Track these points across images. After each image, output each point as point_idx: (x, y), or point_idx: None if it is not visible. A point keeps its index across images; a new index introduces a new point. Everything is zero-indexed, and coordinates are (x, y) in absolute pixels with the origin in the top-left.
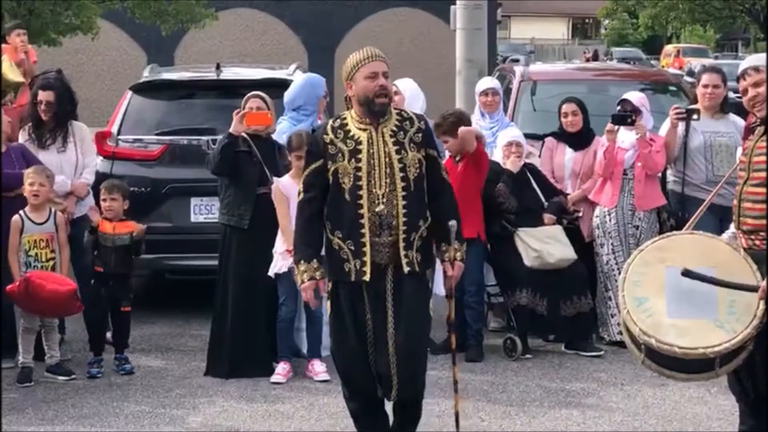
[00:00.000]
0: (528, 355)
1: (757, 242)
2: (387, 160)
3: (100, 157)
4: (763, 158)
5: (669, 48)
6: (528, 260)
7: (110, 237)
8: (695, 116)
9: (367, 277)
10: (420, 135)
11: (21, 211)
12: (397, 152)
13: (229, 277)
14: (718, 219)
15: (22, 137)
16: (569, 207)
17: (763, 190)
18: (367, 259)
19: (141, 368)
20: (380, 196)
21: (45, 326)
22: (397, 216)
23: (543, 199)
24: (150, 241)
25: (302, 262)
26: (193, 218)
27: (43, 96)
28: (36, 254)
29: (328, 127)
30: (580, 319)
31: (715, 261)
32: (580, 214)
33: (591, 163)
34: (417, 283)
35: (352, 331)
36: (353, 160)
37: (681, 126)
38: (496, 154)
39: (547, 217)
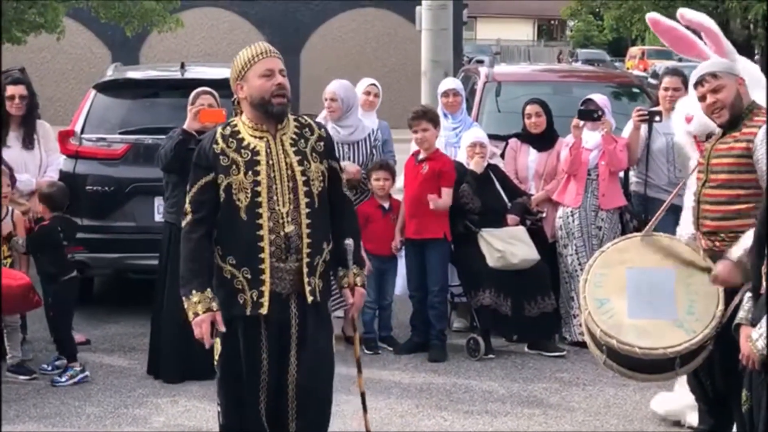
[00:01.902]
0: (491, 356)
1: (717, 243)
2: (289, 172)
3: (63, 156)
4: (722, 161)
5: (634, 50)
6: (491, 260)
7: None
8: (657, 118)
9: (264, 310)
10: (322, 144)
11: None
12: (300, 163)
13: (174, 278)
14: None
15: None
16: (533, 208)
17: (722, 191)
18: (266, 288)
19: (104, 367)
20: (285, 215)
21: (7, 326)
22: (302, 237)
23: (506, 200)
24: (113, 240)
25: (194, 292)
26: (156, 218)
27: (15, 90)
28: None
29: (218, 135)
30: (543, 319)
31: (675, 262)
32: (544, 215)
33: (554, 164)
34: (320, 317)
35: (246, 373)
36: (250, 172)
37: (644, 128)
38: (460, 155)
39: (511, 217)
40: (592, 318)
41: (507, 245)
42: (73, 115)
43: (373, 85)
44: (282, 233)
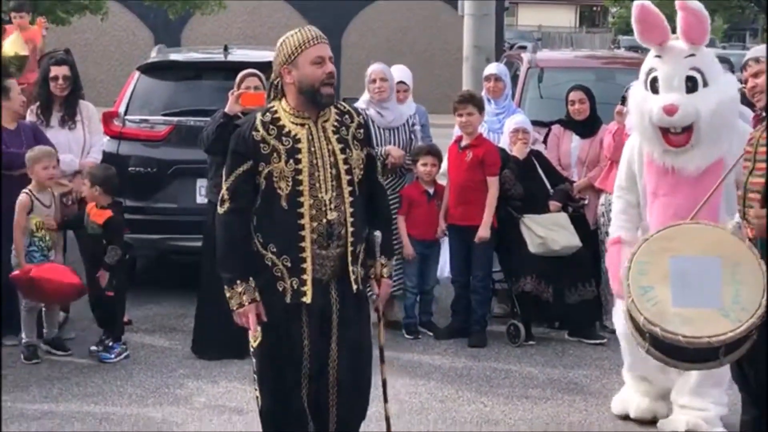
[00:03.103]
0: (531, 342)
1: None
2: (332, 159)
3: (107, 137)
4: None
5: (675, 37)
6: (533, 247)
7: (89, 222)
8: None
9: (308, 299)
10: (362, 131)
11: (28, 191)
12: (342, 151)
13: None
14: None
15: (29, 117)
16: (575, 194)
17: None
18: (308, 276)
19: (145, 348)
20: (328, 202)
21: (47, 305)
22: (345, 224)
23: (549, 186)
24: (155, 221)
25: (239, 282)
26: (198, 199)
27: (59, 71)
28: (42, 236)
29: (258, 121)
30: (584, 306)
31: (720, 251)
32: (586, 202)
33: (597, 150)
34: (361, 304)
35: (288, 361)
36: (291, 160)
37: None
38: (503, 141)
39: (553, 204)
40: (636, 305)
41: (549, 232)
42: (116, 97)
43: (402, 82)
44: (324, 220)
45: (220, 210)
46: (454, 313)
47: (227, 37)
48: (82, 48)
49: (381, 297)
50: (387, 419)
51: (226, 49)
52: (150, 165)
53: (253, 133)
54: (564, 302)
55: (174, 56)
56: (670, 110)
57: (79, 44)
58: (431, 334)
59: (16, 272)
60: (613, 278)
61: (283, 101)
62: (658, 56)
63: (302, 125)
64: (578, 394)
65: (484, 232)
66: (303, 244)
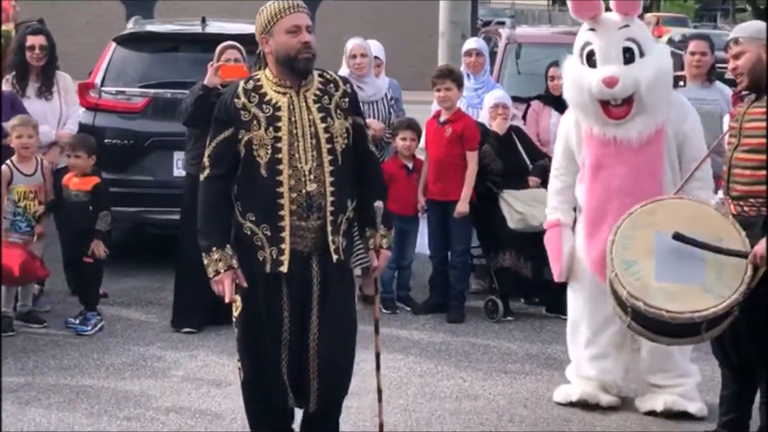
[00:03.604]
0: (509, 318)
1: (746, 208)
2: (312, 129)
3: (83, 109)
4: (756, 124)
5: (649, 16)
6: (512, 222)
7: (71, 192)
8: (681, 83)
9: (284, 268)
10: (347, 100)
11: (8, 162)
12: (323, 120)
13: (195, 229)
14: None
15: (4, 86)
16: None
17: (754, 156)
18: (286, 246)
19: (122, 321)
20: (307, 172)
21: None
22: (325, 195)
23: (528, 162)
24: (132, 194)
25: (215, 249)
26: (175, 172)
27: (35, 40)
28: (25, 206)
29: (240, 89)
30: (563, 282)
31: (704, 226)
32: None
33: None
34: (343, 275)
35: (267, 331)
36: (271, 128)
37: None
38: (482, 116)
39: (532, 179)
40: (619, 279)
41: (528, 207)
42: (87, 71)
43: (376, 57)
44: (304, 191)
45: (201, 176)
46: (432, 288)
47: (200, 11)
48: (54, 20)
49: (379, 268)
50: (379, 391)
51: (203, 21)
52: (126, 137)
53: (235, 100)
54: (542, 278)
55: (151, 27)
56: (610, 82)
57: (51, 17)
58: (409, 309)
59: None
60: (555, 262)
61: (267, 70)
62: (592, 29)
63: (284, 94)
64: (557, 369)
65: (462, 207)
66: (282, 213)
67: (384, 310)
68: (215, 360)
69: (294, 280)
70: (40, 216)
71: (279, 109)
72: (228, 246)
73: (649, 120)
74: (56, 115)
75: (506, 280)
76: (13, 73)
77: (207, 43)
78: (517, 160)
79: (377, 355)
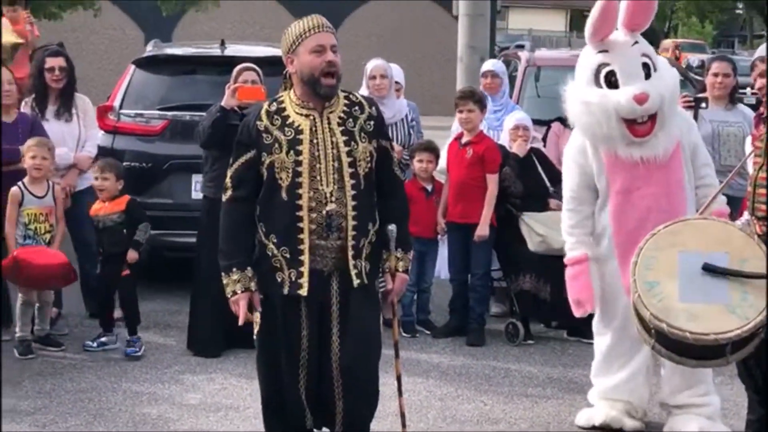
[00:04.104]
0: (530, 341)
1: None
2: (334, 152)
3: (101, 132)
4: None
5: (667, 42)
6: (532, 245)
7: (101, 218)
8: (703, 104)
9: (303, 291)
10: (372, 123)
11: (20, 183)
12: (346, 143)
13: (213, 252)
14: None
15: (24, 110)
16: None
17: None
18: (305, 268)
19: None
20: (329, 194)
21: (41, 301)
22: (346, 217)
23: (549, 184)
24: (150, 217)
25: (235, 270)
26: (194, 195)
27: (55, 62)
28: (35, 228)
29: (263, 111)
30: None
31: (729, 246)
32: None
33: None
34: (366, 297)
35: (284, 351)
36: (292, 152)
37: (689, 114)
38: (502, 138)
39: (553, 202)
40: (642, 301)
41: (548, 230)
42: (106, 95)
43: (396, 82)
44: (324, 211)
45: (223, 197)
46: (452, 311)
47: (219, 36)
48: (73, 46)
49: (395, 291)
50: (402, 415)
51: (222, 43)
52: (145, 160)
53: (257, 122)
54: (563, 301)
55: (170, 50)
56: (641, 98)
57: (70, 42)
58: (428, 332)
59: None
60: (584, 299)
61: (291, 91)
62: (603, 51)
63: (307, 116)
64: (578, 393)
65: (482, 230)
66: (301, 236)
67: (404, 334)
68: (233, 383)
69: (313, 300)
70: (50, 239)
71: (301, 132)
72: (248, 268)
73: (669, 135)
74: (75, 137)
75: (526, 303)
76: (33, 96)
77: (226, 65)
78: (537, 182)
79: (398, 379)
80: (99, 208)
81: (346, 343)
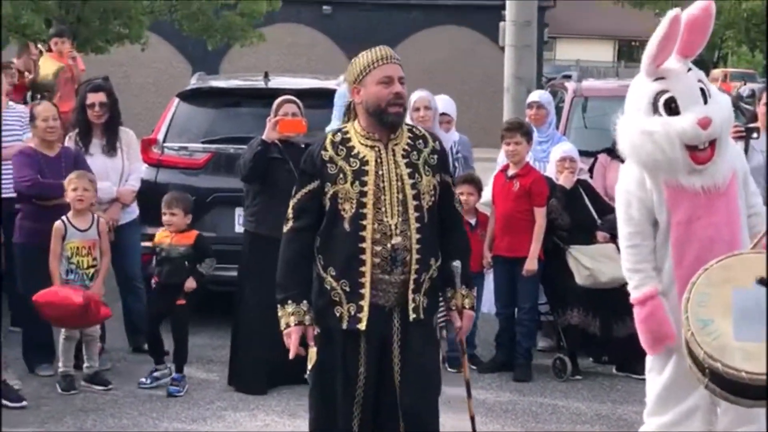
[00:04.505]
0: (578, 377)
1: None
2: (399, 184)
3: (145, 165)
4: None
5: (716, 72)
6: (580, 278)
7: (166, 248)
8: (755, 135)
9: (362, 325)
10: (435, 157)
11: (63, 217)
12: (411, 176)
13: (254, 288)
14: None
15: (68, 144)
16: None
17: None
18: (365, 302)
19: None
20: (393, 227)
21: (86, 335)
22: (410, 250)
23: (596, 217)
24: None
25: (290, 302)
26: (237, 228)
27: (95, 98)
28: (78, 261)
29: (328, 141)
30: (633, 340)
31: None
32: None
33: None
34: (425, 333)
35: (341, 387)
36: (357, 182)
37: (740, 145)
38: (549, 169)
39: (601, 234)
40: (695, 339)
41: (596, 263)
42: (153, 129)
43: (445, 114)
44: (389, 244)
45: (284, 228)
46: (498, 346)
47: (266, 69)
48: (121, 80)
49: (463, 329)
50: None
51: (266, 76)
52: (188, 193)
53: (322, 152)
54: (611, 335)
55: (214, 83)
56: (705, 123)
57: (118, 76)
58: (474, 367)
59: (49, 296)
60: (663, 335)
61: (356, 122)
62: (660, 78)
63: (372, 147)
64: (628, 430)
65: (531, 264)
66: (363, 269)
67: (449, 369)
68: (276, 420)
69: (373, 335)
70: (93, 273)
71: (366, 162)
72: (304, 301)
73: (726, 161)
74: (118, 171)
75: (574, 338)
76: (77, 130)
77: (270, 98)
78: (584, 214)
79: (472, 420)
80: (165, 237)
81: (408, 380)
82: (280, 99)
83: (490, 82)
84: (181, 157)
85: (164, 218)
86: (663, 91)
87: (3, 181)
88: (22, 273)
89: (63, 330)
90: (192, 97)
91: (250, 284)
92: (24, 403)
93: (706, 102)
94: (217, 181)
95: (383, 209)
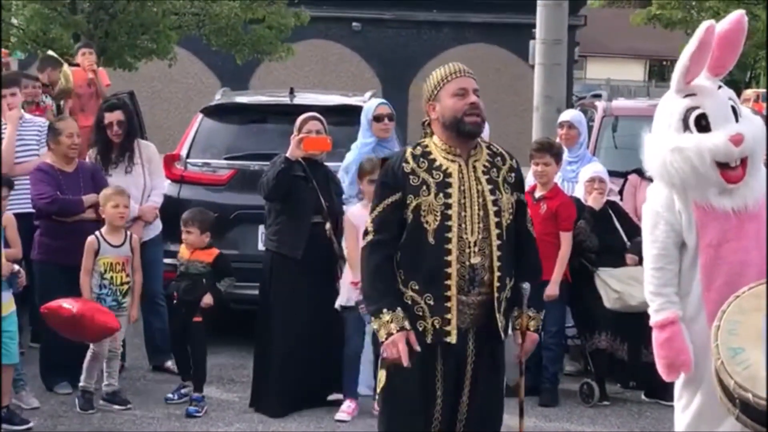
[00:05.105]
0: (606, 402)
1: None
2: (480, 200)
3: (168, 181)
4: None
5: (748, 92)
6: (608, 302)
7: (186, 263)
8: None
9: (452, 339)
10: (513, 175)
11: (97, 232)
12: (492, 192)
13: (276, 309)
14: None
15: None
16: None
17: None
18: (452, 316)
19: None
20: (472, 244)
21: (109, 352)
22: (491, 270)
23: (625, 239)
24: None
25: (385, 311)
26: (260, 246)
27: (112, 117)
28: (111, 277)
29: (408, 154)
30: None
31: None
32: None
33: None
34: (497, 356)
35: (418, 410)
36: (441, 194)
37: None
38: (578, 190)
39: (630, 257)
40: (725, 368)
41: (625, 286)
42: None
43: None
44: (468, 263)
45: (364, 242)
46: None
47: (294, 85)
48: (151, 96)
49: (525, 350)
50: None
51: (291, 92)
52: (211, 210)
53: (404, 164)
54: (640, 360)
55: (238, 99)
56: (737, 139)
57: (147, 91)
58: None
59: (50, 304)
60: (680, 363)
61: (435, 137)
62: (691, 95)
63: (453, 161)
64: None
65: (552, 290)
66: (448, 282)
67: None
68: None
69: (450, 355)
70: (127, 290)
71: (450, 175)
72: (399, 308)
73: (758, 182)
74: (140, 187)
75: (602, 363)
76: (97, 149)
77: (295, 114)
78: (613, 236)
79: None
80: (185, 251)
81: (474, 405)
82: (303, 116)
83: (519, 101)
84: (204, 173)
85: (183, 236)
86: (693, 108)
87: (19, 197)
88: (40, 290)
89: (92, 346)
90: (216, 112)
91: (272, 305)
92: (30, 425)
93: (737, 120)
94: (241, 198)
95: (464, 225)
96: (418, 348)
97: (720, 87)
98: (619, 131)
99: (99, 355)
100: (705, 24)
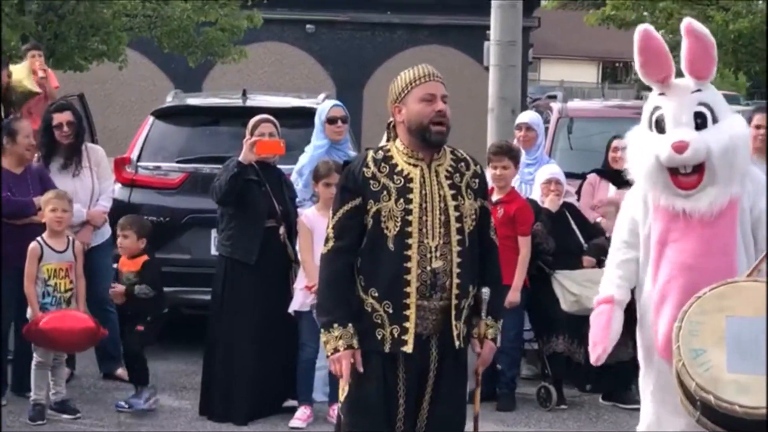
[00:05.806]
0: (563, 406)
1: None
2: (442, 205)
3: (118, 184)
4: None
5: None
6: (565, 305)
7: (123, 273)
8: None
9: (408, 348)
10: (477, 181)
11: (39, 238)
12: (454, 197)
13: (229, 315)
14: None
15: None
16: (600, 214)
17: None
18: (410, 325)
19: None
20: (433, 249)
21: (53, 360)
22: (450, 275)
23: (582, 241)
24: (167, 273)
25: (336, 326)
26: (213, 251)
27: (62, 118)
28: (55, 284)
29: (369, 158)
30: (620, 368)
31: None
32: None
33: None
34: (459, 365)
35: (380, 419)
36: (402, 200)
37: (764, 179)
38: (534, 192)
39: (587, 259)
40: (686, 370)
41: (583, 288)
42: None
43: None
44: (429, 268)
45: (324, 249)
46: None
47: (248, 88)
48: (102, 98)
49: (482, 359)
50: None
51: (244, 94)
52: (163, 214)
53: (364, 169)
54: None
55: (190, 101)
56: (679, 147)
57: (101, 94)
58: None
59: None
60: (599, 341)
61: (397, 141)
62: (662, 94)
63: (415, 166)
64: None
65: (514, 297)
66: (408, 290)
67: None
68: None
69: (412, 363)
70: (70, 297)
71: (411, 180)
72: (350, 324)
73: (721, 191)
74: (88, 191)
75: (559, 366)
76: (42, 151)
77: (248, 116)
78: (570, 238)
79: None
80: (123, 263)
81: (435, 413)
82: (256, 118)
83: (474, 103)
84: (155, 176)
85: (118, 241)
86: (657, 108)
87: None
88: None
89: (36, 356)
90: (167, 115)
91: (223, 311)
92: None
93: (702, 126)
94: (193, 202)
95: (425, 230)
96: (361, 369)
97: (698, 91)
98: (575, 133)
99: (45, 365)
100: (640, 28)
